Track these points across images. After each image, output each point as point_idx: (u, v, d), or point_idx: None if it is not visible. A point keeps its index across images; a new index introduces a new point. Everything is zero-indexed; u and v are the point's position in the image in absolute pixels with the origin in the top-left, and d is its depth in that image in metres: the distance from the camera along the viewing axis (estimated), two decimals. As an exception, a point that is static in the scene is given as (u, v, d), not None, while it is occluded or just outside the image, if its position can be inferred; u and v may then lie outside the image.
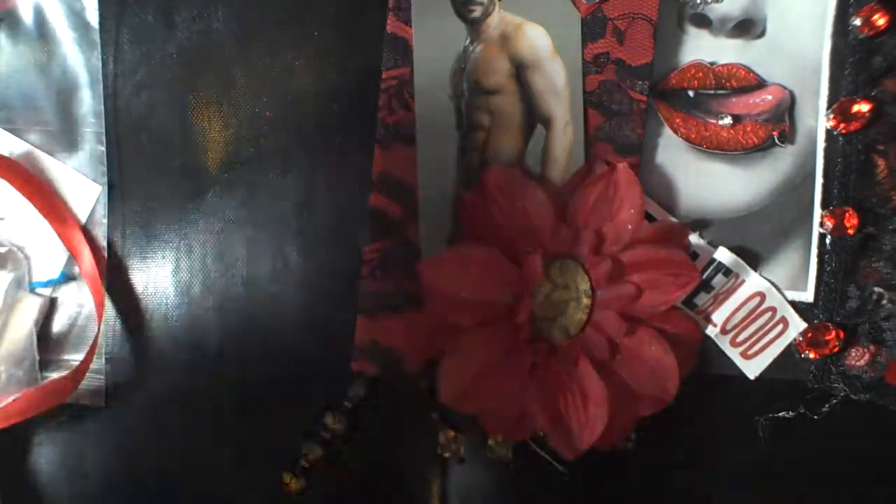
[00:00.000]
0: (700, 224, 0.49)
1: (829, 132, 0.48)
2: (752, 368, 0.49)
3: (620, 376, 0.46)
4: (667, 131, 0.49)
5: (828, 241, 0.49)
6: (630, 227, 0.45)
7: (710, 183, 0.49)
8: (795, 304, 0.49)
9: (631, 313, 0.46)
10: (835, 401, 0.49)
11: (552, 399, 0.45)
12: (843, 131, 0.47)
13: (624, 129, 0.47)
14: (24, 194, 0.47)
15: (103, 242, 0.49)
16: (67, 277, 0.49)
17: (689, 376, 0.47)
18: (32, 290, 0.48)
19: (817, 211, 0.49)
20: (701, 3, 0.48)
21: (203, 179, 0.49)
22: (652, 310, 0.46)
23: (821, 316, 0.49)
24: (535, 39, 0.45)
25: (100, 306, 0.47)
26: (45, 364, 0.49)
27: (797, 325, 0.49)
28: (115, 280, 0.50)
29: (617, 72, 0.46)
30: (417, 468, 0.50)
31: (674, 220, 0.48)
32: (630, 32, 0.46)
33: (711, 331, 0.49)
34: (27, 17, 0.47)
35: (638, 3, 0.46)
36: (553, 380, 0.45)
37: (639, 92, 0.46)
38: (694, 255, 0.49)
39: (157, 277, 0.50)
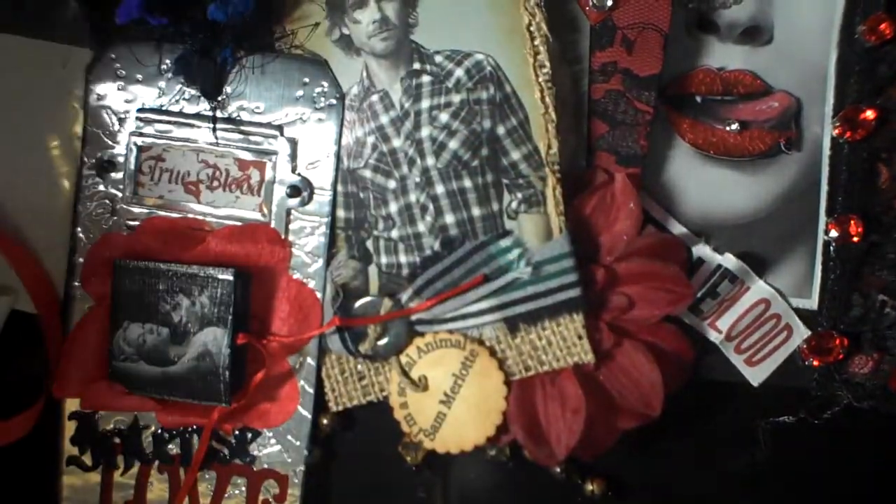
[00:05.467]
0: (706, 230, 0.57)
1: (834, 140, 0.56)
2: (756, 375, 0.58)
3: (604, 387, 0.53)
4: (674, 136, 0.57)
5: (832, 248, 0.57)
6: (626, 237, 0.54)
7: (716, 189, 0.57)
8: (800, 312, 0.57)
9: (620, 325, 0.54)
10: (837, 408, 0.58)
11: (529, 405, 0.53)
12: (849, 139, 0.56)
13: (627, 139, 0.55)
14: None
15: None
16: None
17: (693, 382, 0.56)
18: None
19: (822, 218, 0.57)
20: (707, 7, 0.56)
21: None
22: (641, 323, 0.54)
23: (825, 323, 0.57)
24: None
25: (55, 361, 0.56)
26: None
27: (801, 333, 0.57)
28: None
29: (623, 81, 0.54)
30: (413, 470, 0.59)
31: (674, 233, 0.57)
32: (639, 42, 0.54)
33: (716, 337, 0.57)
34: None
35: (649, 13, 0.53)
36: (531, 385, 0.54)
37: (644, 103, 0.54)
38: (699, 262, 0.57)
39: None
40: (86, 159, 0.56)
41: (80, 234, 0.57)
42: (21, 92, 0.57)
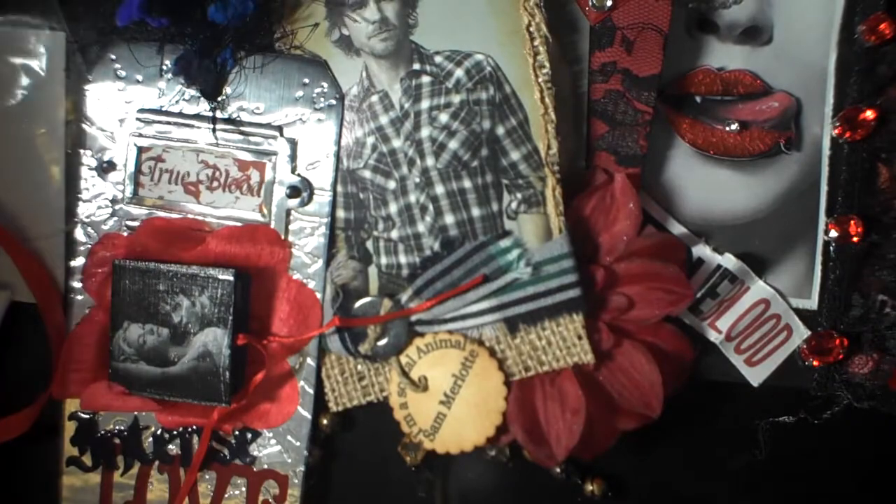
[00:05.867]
0: (705, 230, 0.58)
1: (834, 140, 0.57)
2: (756, 375, 0.58)
3: (604, 388, 0.54)
4: (673, 137, 0.57)
5: (832, 248, 0.57)
6: (625, 238, 0.54)
7: (715, 189, 0.58)
8: (800, 312, 0.58)
9: (620, 325, 0.54)
10: (837, 408, 0.59)
11: (529, 405, 0.54)
12: (849, 139, 0.56)
13: (627, 139, 0.55)
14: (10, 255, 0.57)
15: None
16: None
17: (692, 382, 0.57)
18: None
19: (822, 218, 0.57)
20: (707, 7, 0.57)
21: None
22: (641, 323, 0.54)
23: (825, 324, 0.58)
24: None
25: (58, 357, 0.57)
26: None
27: (801, 333, 0.58)
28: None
29: (623, 81, 0.54)
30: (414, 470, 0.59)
31: (673, 233, 0.57)
32: (639, 43, 0.54)
33: (716, 337, 0.58)
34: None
35: (649, 13, 0.54)
36: (531, 385, 0.54)
37: (644, 103, 0.55)
38: (699, 262, 0.58)
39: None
40: (85, 160, 0.57)
41: (80, 235, 0.57)
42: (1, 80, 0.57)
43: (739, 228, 0.58)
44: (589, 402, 0.53)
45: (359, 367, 0.56)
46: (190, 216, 0.56)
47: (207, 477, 0.58)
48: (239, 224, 0.56)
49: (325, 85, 0.55)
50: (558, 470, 0.58)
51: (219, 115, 0.55)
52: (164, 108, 0.56)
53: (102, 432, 0.58)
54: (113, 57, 0.56)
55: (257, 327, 0.55)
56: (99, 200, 0.57)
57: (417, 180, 0.54)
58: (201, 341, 0.53)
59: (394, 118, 0.54)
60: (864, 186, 0.57)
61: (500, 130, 0.53)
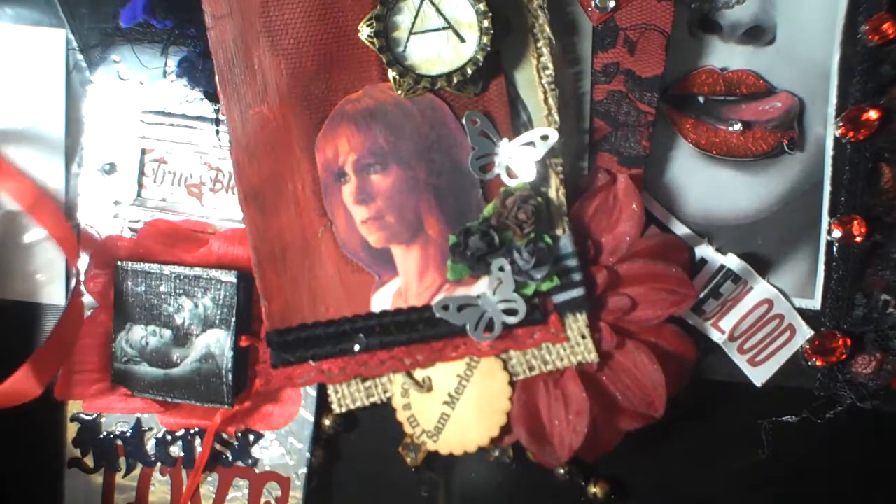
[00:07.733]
0: (708, 230, 0.58)
1: (837, 140, 0.57)
2: (759, 375, 0.59)
3: (607, 389, 0.54)
4: (676, 137, 0.58)
5: (835, 248, 0.58)
6: (628, 239, 0.54)
7: (718, 189, 0.58)
8: (803, 312, 0.58)
9: (623, 326, 0.55)
10: (840, 408, 0.59)
11: (533, 406, 0.54)
12: (852, 139, 0.57)
13: (630, 140, 0.55)
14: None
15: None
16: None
17: (695, 382, 0.57)
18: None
19: (825, 218, 0.58)
20: (710, 8, 0.57)
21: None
22: (644, 324, 0.55)
23: (828, 323, 0.58)
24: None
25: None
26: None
27: (804, 333, 0.58)
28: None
29: (626, 82, 0.55)
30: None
31: (676, 233, 0.58)
32: (642, 43, 0.54)
33: (719, 337, 0.58)
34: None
35: (651, 14, 0.54)
36: (535, 386, 0.55)
37: (647, 104, 0.55)
38: (702, 262, 0.58)
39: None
40: (88, 161, 0.57)
41: (82, 237, 0.57)
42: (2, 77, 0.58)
43: (742, 228, 0.58)
44: (592, 403, 0.53)
45: None
46: (192, 218, 0.57)
47: (209, 479, 0.59)
48: (241, 226, 0.56)
49: None
50: (562, 471, 0.58)
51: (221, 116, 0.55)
52: (167, 110, 0.56)
53: (105, 434, 0.59)
54: (116, 58, 0.56)
55: (260, 329, 0.56)
56: (101, 202, 0.57)
57: None
58: (204, 343, 0.54)
59: None
60: (868, 186, 0.57)
61: None
